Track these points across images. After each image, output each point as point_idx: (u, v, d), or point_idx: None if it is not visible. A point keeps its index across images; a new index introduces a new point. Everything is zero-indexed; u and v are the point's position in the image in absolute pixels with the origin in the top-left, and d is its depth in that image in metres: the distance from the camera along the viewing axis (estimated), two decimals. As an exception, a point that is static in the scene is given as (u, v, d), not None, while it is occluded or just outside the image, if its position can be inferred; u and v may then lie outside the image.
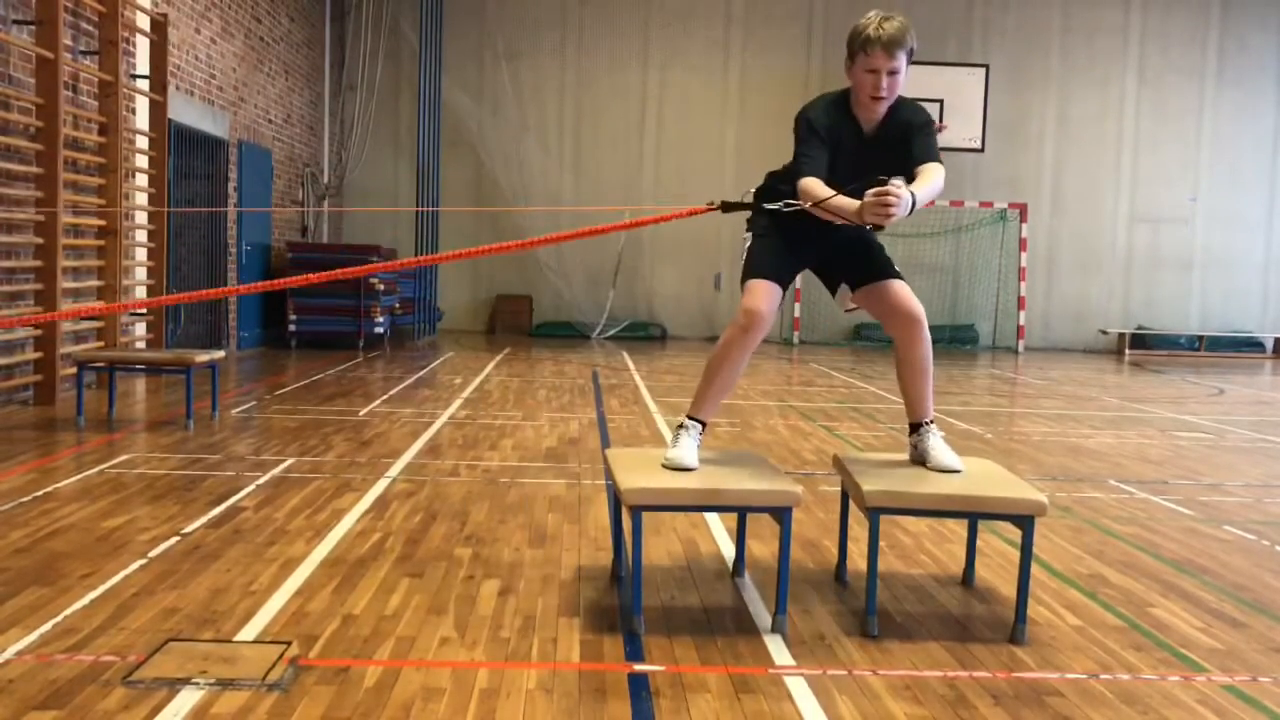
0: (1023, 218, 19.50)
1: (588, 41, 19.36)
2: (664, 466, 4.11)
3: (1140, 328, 19.94)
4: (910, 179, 4.00)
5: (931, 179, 4.02)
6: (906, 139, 4.12)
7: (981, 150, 19.05)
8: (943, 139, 18.55)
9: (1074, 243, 20.13)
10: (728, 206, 4.16)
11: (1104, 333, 19.93)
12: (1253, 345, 19.83)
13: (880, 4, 16.69)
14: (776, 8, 19.27)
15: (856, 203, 3.86)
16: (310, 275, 4.61)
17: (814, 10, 19.23)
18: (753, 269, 4.31)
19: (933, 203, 4.08)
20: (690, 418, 4.27)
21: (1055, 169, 19.99)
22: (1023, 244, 19.51)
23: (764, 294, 4.20)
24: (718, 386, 4.29)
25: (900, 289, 4.29)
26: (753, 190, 4.45)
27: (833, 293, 4.54)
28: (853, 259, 4.38)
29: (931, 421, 4.36)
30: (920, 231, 19.70)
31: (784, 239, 4.31)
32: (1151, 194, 20.09)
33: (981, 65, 18.98)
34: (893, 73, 4.03)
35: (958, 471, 4.18)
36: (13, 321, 7.47)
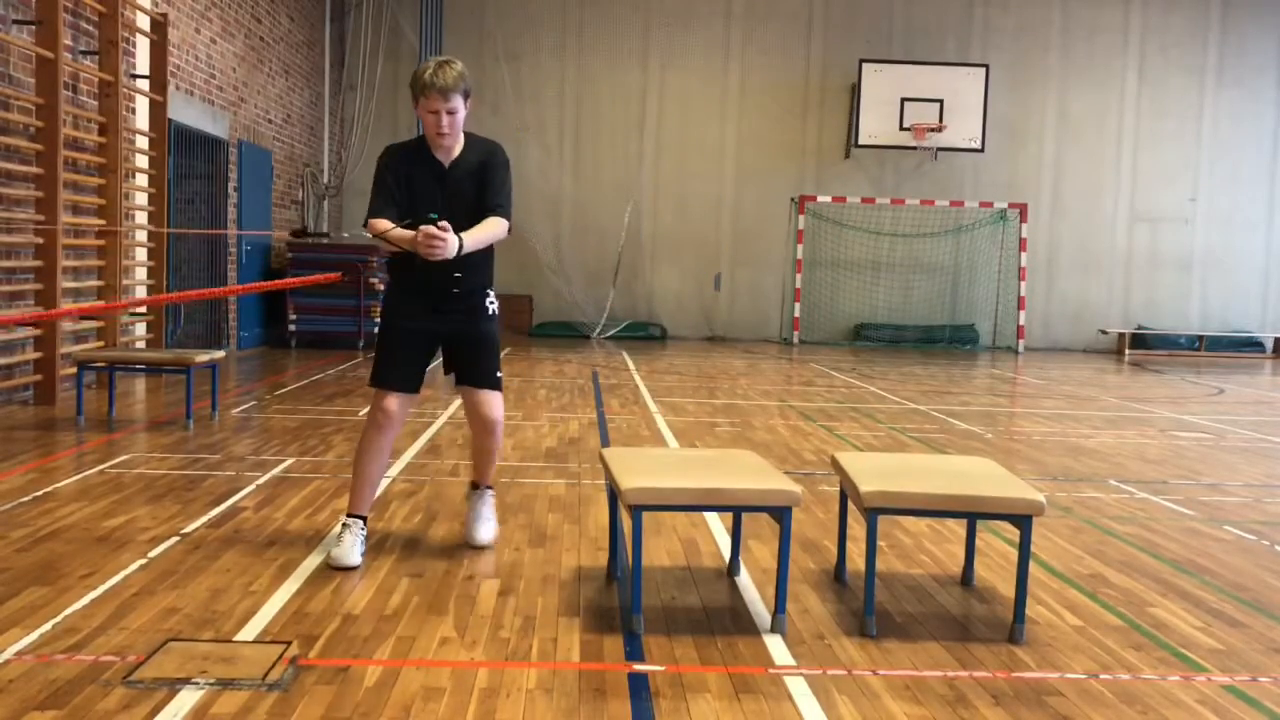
0: (1022, 217, 19.50)
1: (588, 41, 19.36)
2: (329, 565, 4.48)
3: (1140, 328, 19.94)
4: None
5: (487, 230, 4.51)
6: (482, 180, 4.60)
7: (981, 150, 19.05)
8: (943, 139, 18.49)
9: (1074, 242, 20.13)
10: (299, 234, 4.65)
11: (1104, 332, 19.94)
12: (1253, 345, 19.83)
13: (880, 4, 16.68)
14: (776, 8, 19.27)
15: (409, 235, 4.37)
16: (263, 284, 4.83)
17: (814, 10, 19.21)
18: (378, 376, 4.69)
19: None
20: (350, 515, 4.64)
21: (1055, 169, 19.99)
22: (1022, 244, 19.52)
23: (394, 401, 4.63)
24: (364, 479, 4.67)
25: (487, 399, 4.75)
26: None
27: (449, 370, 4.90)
28: (463, 355, 4.77)
29: (491, 488, 4.98)
30: (920, 231, 19.71)
31: (404, 327, 4.69)
32: (1151, 194, 20.09)
33: (981, 65, 18.97)
34: (451, 112, 4.48)
35: (484, 545, 4.84)
36: (13, 319, 7.47)
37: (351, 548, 4.52)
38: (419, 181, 4.55)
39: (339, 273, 4.97)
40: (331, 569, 4.45)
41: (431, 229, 4.25)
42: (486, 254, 4.68)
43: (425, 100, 4.45)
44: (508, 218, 4.61)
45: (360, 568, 4.50)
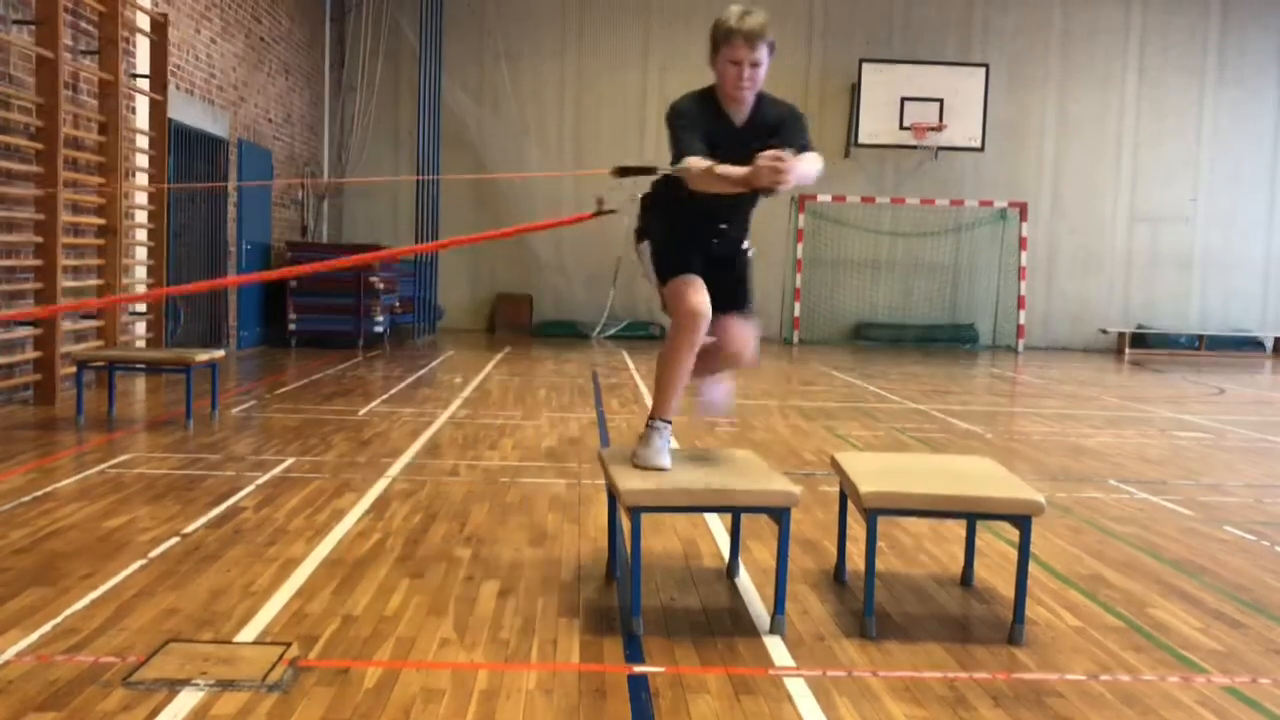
0: (1023, 217, 19.50)
1: (588, 41, 19.35)
2: (634, 465, 4.15)
3: (1140, 327, 19.95)
4: None
5: (810, 162, 4.06)
6: (780, 132, 4.16)
7: (981, 150, 19.05)
8: (943, 138, 18.48)
9: (1074, 242, 20.13)
10: (625, 171, 4.23)
11: (1104, 332, 19.93)
12: (1253, 345, 19.83)
13: (880, 4, 16.68)
14: (776, 7, 19.15)
15: (744, 170, 3.87)
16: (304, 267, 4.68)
17: (814, 10, 19.21)
18: (671, 267, 4.30)
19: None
20: (660, 419, 4.29)
21: (1055, 168, 19.99)
22: (1023, 243, 19.52)
23: (694, 289, 4.20)
24: (676, 386, 4.31)
25: (738, 328, 4.39)
26: (639, 195, 4.48)
27: None
28: (723, 281, 4.36)
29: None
30: (920, 231, 19.71)
31: (681, 238, 4.33)
32: (1151, 193, 20.09)
33: (981, 65, 18.98)
34: (754, 64, 4.09)
35: (655, 466, 4.14)
36: (12, 315, 7.47)
37: (661, 451, 4.18)
38: (708, 140, 4.13)
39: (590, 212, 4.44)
40: (638, 467, 4.13)
41: (779, 153, 3.79)
42: (751, 212, 4.41)
43: (727, 49, 4.07)
44: (820, 156, 4.18)
45: (669, 468, 4.15)
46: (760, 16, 4.12)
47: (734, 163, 3.98)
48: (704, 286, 4.23)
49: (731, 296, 4.39)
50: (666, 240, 4.36)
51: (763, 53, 4.10)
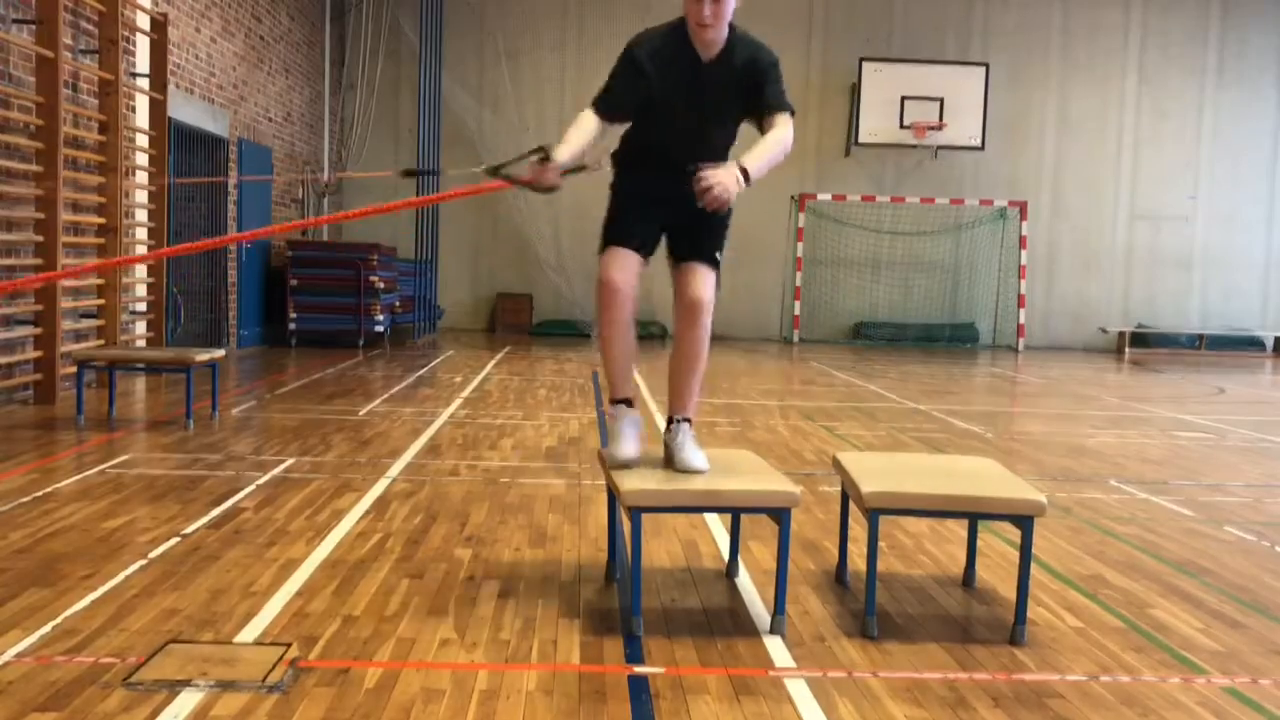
0: (1023, 216, 19.50)
1: (588, 40, 19.33)
2: (608, 466, 4.12)
3: (1140, 326, 19.95)
4: (760, 126, 4.06)
5: (774, 144, 3.98)
6: (754, 79, 4.04)
7: (981, 149, 19.05)
8: (943, 137, 18.44)
9: (1074, 241, 20.13)
10: (495, 171, 4.22)
11: (1104, 331, 19.93)
12: (1253, 344, 19.83)
13: (880, 3, 16.66)
14: (776, 7, 19.24)
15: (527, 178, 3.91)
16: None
17: (814, 9, 19.20)
18: (607, 235, 4.20)
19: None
20: (614, 402, 4.26)
21: (1055, 167, 19.99)
22: (1023, 242, 19.52)
23: (619, 264, 4.11)
24: (612, 364, 4.26)
25: (695, 271, 4.17)
26: (611, 151, 4.33)
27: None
28: (690, 229, 4.20)
29: (689, 420, 4.21)
30: (920, 230, 19.71)
31: (644, 195, 4.19)
32: (1152, 192, 20.09)
33: (981, 64, 18.97)
34: (717, 0, 3.89)
35: (702, 471, 4.01)
36: (14, 285, 7.45)
37: (622, 439, 4.10)
38: (671, 76, 4.00)
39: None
40: (608, 466, 4.10)
41: (706, 187, 3.77)
42: (724, 148, 4.19)
43: None
44: (793, 114, 4.08)
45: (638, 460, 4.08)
46: None
47: (693, 98, 3.96)
48: (632, 261, 4.12)
49: (695, 243, 4.22)
50: (616, 203, 4.26)
51: None
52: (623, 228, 4.20)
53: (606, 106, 4.08)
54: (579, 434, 8.23)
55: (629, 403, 4.26)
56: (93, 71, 9.56)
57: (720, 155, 4.14)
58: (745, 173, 3.87)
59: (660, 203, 4.18)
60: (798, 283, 19.36)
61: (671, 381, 4.28)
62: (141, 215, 10.89)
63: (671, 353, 4.32)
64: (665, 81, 4.03)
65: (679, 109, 4.08)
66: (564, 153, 4.00)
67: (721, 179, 3.80)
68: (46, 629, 3.70)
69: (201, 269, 13.35)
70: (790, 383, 12.82)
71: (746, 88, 4.08)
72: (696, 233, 4.22)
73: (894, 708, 3.31)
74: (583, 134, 4.06)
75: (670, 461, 4.14)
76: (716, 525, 5.36)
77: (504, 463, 7.00)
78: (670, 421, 4.25)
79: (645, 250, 4.22)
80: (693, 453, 4.09)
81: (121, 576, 4.30)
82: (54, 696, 3.16)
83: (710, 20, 3.91)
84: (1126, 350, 19.40)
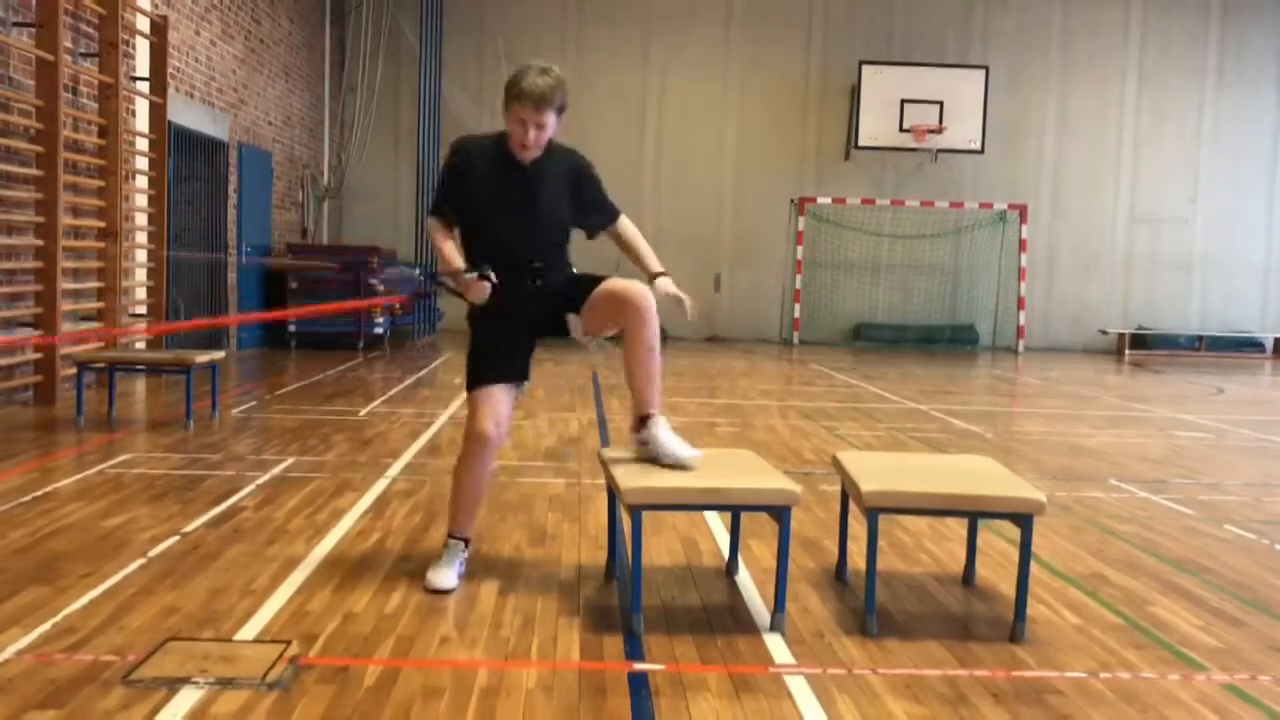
0: (1022, 218, 19.50)
1: (588, 41, 19.35)
2: (425, 589, 4.22)
3: (1140, 328, 19.95)
4: (607, 233, 4.53)
5: (643, 240, 4.53)
6: (579, 180, 4.39)
7: (981, 151, 19.04)
8: (943, 140, 18.43)
9: (1074, 243, 20.13)
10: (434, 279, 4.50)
11: (1104, 333, 19.93)
12: (1253, 345, 19.83)
13: (880, 5, 16.67)
14: (776, 7, 19.27)
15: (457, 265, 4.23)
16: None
17: (814, 11, 19.21)
18: (473, 376, 4.33)
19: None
20: (452, 536, 4.39)
21: (1055, 169, 19.99)
22: (1022, 244, 19.52)
23: (491, 409, 4.23)
24: (463, 501, 4.36)
25: (614, 280, 4.33)
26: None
27: (567, 334, 4.50)
28: (565, 293, 4.40)
29: (658, 414, 4.24)
30: (920, 233, 19.71)
31: (500, 331, 4.35)
32: (1151, 194, 20.09)
33: (981, 66, 18.98)
34: (540, 126, 4.17)
35: (691, 463, 4.06)
36: (18, 341, 7.46)
37: (450, 571, 4.29)
38: (502, 182, 4.26)
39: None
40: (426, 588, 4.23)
41: (677, 300, 4.35)
42: (565, 256, 4.49)
43: (517, 106, 4.12)
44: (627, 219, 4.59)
45: (453, 589, 4.25)
46: (551, 79, 4.14)
47: (524, 197, 4.24)
48: (502, 400, 4.26)
49: (572, 296, 4.39)
50: (478, 344, 4.38)
51: (549, 116, 4.16)
52: (492, 365, 4.35)
53: (435, 209, 4.41)
54: (579, 434, 8.24)
55: (466, 543, 4.42)
56: (92, 75, 9.57)
57: (558, 251, 4.45)
58: (663, 273, 4.44)
59: (518, 324, 4.38)
60: (797, 285, 19.36)
61: (633, 385, 4.29)
62: (141, 219, 10.90)
63: (626, 358, 4.32)
64: (490, 183, 4.28)
65: (508, 206, 4.28)
66: (451, 264, 4.27)
67: (671, 290, 4.34)
68: (46, 627, 3.70)
69: (202, 273, 13.35)
70: (790, 383, 12.82)
71: (571, 185, 4.37)
72: (567, 293, 4.40)
73: (894, 704, 3.31)
74: (446, 240, 4.37)
75: (656, 458, 4.14)
76: (716, 523, 5.37)
77: (504, 462, 7.00)
78: (641, 421, 4.23)
79: (517, 376, 4.41)
80: (678, 445, 4.14)
81: (121, 575, 4.30)
82: (54, 694, 3.17)
83: (532, 145, 4.21)
84: (1126, 352, 19.40)
